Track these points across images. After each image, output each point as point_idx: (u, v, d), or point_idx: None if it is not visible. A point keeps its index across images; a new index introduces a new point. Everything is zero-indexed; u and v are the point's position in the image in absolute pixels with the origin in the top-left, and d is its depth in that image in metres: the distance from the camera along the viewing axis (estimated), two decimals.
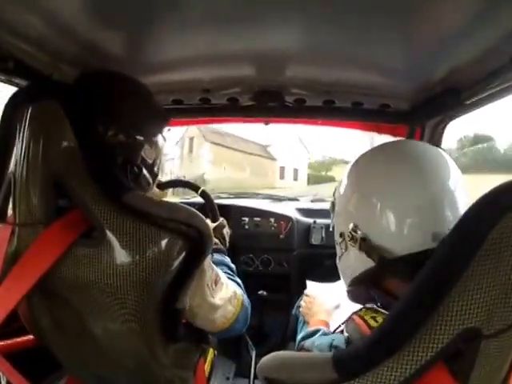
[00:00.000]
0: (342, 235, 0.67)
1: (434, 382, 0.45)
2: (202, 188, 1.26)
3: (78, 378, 0.82)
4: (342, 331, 0.68)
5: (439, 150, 0.64)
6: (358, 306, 0.71)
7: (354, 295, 0.71)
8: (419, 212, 0.57)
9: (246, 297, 0.92)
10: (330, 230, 0.77)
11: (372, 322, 0.55)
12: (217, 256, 1.01)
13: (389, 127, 1.33)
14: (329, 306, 0.96)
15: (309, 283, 1.14)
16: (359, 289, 0.68)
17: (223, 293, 0.79)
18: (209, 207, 1.24)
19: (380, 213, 0.60)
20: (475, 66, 0.80)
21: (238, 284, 0.93)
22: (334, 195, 0.74)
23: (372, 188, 0.62)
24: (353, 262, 0.66)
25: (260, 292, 1.59)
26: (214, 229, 1.16)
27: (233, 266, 1.03)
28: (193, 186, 1.30)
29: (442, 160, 0.62)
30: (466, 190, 0.61)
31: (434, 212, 0.57)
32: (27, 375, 0.57)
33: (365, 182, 0.64)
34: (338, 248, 0.72)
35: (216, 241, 1.09)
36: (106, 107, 0.68)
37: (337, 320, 0.92)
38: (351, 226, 0.63)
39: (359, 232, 0.61)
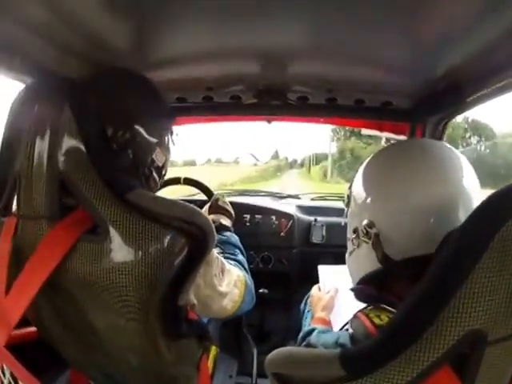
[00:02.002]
0: (355, 231, 0.67)
1: (441, 383, 0.45)
2: (183, 177, 1.30)
3: (82, 371, 0.82)
4: (347, 329, 0.68)
5: (455, 150, 0.64)
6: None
7: (358, 293, 0.71)
8: (436, 212, 0.57)
9: (247, 275, 0.93)
10: (342, 224, 0.75)
11: (377, 321, 0.55)
12: (219, 235, 1.01)
13: (391, 125, 1.34)
14: (327, 301, 0.96)
15: (320, 267, 1.13)
16: (365, 288, 0.68)
17: (229, 279, 0.81)
18: (197, 187, 1.28)
19: (397, 212, 0.60)
20: (477, 63, 0.80)
21: (239, 262, 0.95)
22: (349, 188, 0.73)
23: (390, 186, 0.62)
24: (363, 259, 0.65)
25: (261, 290, 1.59)
26: (212, 204, 1.18)
27: (235, 238, 1.05)
28: (175, 180, 1.32)
29: (459, 159, 0.62)
30: (480, 191, 0.61)
31: (450, 212, 0.57)
32: (30, 367, 0.57)
33: (383, 180, 0.64)
34: (349, 244, 0.71)
35: (213, 217, 1.12)
36: (117, 106, 0.68)
37: (337, 312, 0.93)
38: (366, 221, 0.62)
39: (374, 229, 0.61)
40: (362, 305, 0.64)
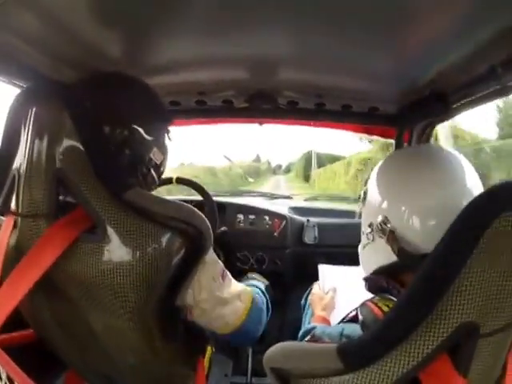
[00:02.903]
0: (370, 225, 0.69)
1: (437, 373, 0.47)
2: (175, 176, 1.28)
3: (78, 373, 0.83)
4: (350, 320, 0.70)
5: (460, 155, 0.67)
6: (356, 290, 0.74)
7: (371, 284, 0.73)
8: (443, 211, 0.59)
9: (260, 296, 0.89)
10: (357, 218, 0.78)
11: (385, 308, 0.57)
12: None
13: (378, 129, 1.37)
14: (328, 300, 0.97)
15: (320, 267, 1.14)
16: (378, 278, 0.70)
17: (232, 288, 0.78)
18: (189, 185, 1.29)
19: (408, 211, 0.62)
20: (460, 72, 0.83)
21: (256, 287, 0.94)
22: (365, 185, 0.76)
23: (402, 187, 0.65)
24: (378, 253, 0.67)
25: None
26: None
27: (262, 286, 1.02)
28: (166, 180, 1.29)
29: (463, 163, 0.65)
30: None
31: (456, 211, 0.59)
32: (27, 369, 0.57)
33: (396, 180, 0.68)
34: (363, 237, 0.73)
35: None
36: (114, 107, 0.68)
37: (335, 313, 0.94)
38: (380, 218, 0.65)
39: (389, 225, 0.63)
40: None
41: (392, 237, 0.63)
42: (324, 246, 1.65)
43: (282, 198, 2.17)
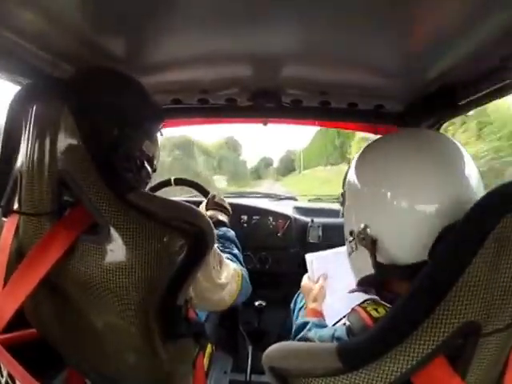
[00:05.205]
0: (352, 233, 0.66)
1: (435, 374, 0.46)
2: (173, 178, 1.30)
3: (79, 371, 0.83)
4: (344, 323, 0.69)
5: (455, 141, 0.61)
6: (347, 271, 0.72)
7: (360, 290, 0.71)
8: (432, 218, 0.55)
9: (243, 268, 0.97)
10: (340, 217, 0.74)
11: (374, 313, 0.56)
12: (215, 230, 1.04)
13: (384, 129, 1.35)
14: (317, 291, 0.94)
15: (307, 256, 1.12)
16: (364, 289, 0.68)
17: (226, 272, 0.83)
18: (193, 186, 1.29)
19: (393, 216, 0.57)
20: (468, 67, 0.81)
21: (234, 256, 0.99)
22: (343, 187, 0.71)
23: (385, 186, 0.59)
24: (362, 263, 0.64)
25: (257, 303, 1.57)
26: (209, 201, 1.19)
27: (231, 233, 1.08)
28: (165, 182, 1.32)
29: (460, 155, 0.58)
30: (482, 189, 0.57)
31: (454, 216, 0.53)
32: (28, 367, 0.58)
33: (377, 178, 0.61)
34: (347, 245, 0.70)
35: (210, 213, 1.14)
36: (107, 103, 0.69)
37: (329, 301, 0.92)
38: (362, 226, 0.61)
39: (369, 232, 0.60)
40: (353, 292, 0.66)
41: (372, 247, 0.59)
42: (328, 246, 1.63)
43: (286, 199, 2.19)
